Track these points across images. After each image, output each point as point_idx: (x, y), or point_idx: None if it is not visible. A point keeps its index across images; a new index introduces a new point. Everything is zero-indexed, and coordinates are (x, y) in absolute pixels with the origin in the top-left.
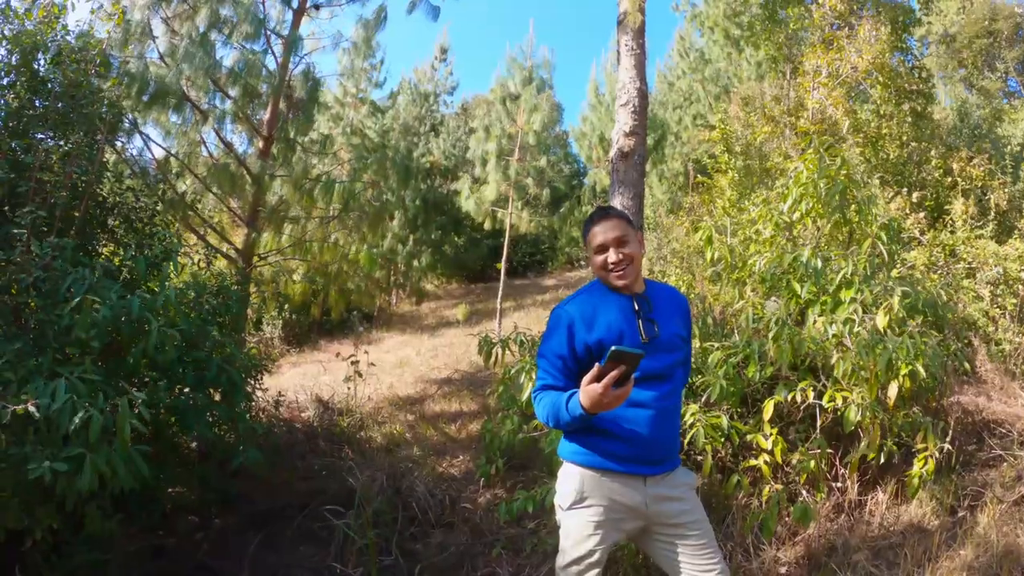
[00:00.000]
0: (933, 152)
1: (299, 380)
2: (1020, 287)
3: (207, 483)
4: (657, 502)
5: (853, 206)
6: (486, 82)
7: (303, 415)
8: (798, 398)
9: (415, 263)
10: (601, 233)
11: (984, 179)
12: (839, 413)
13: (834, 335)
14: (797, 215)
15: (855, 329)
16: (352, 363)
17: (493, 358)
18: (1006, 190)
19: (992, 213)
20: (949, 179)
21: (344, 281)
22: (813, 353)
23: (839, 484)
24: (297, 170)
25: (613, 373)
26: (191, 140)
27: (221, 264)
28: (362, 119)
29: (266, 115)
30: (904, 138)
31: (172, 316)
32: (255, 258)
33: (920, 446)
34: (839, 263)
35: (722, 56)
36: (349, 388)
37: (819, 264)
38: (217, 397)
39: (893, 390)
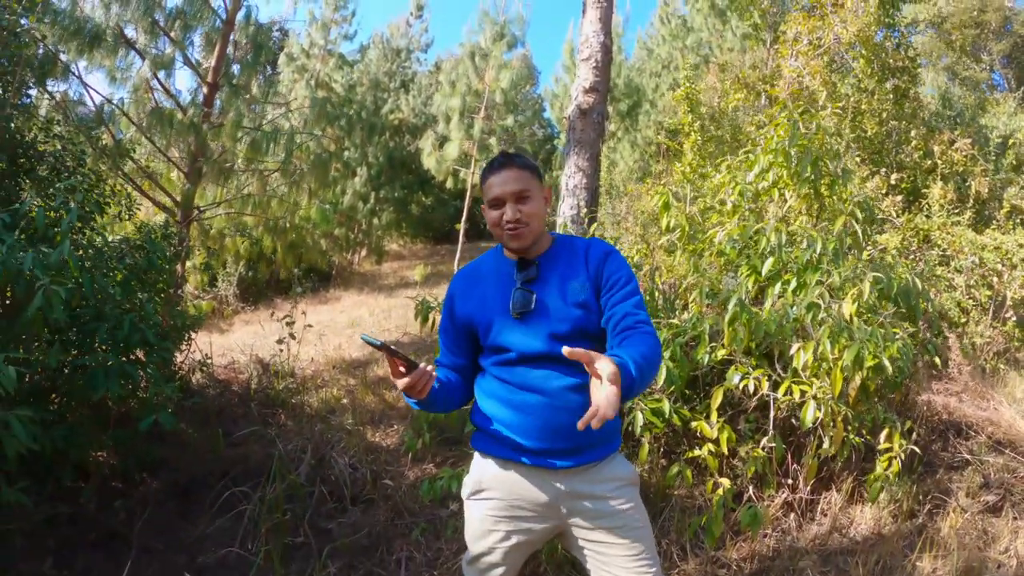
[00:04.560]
0: (914, 132)
1: (248, 339)
2: (995, 279)
3: (125, 448)
4: (573, 499)
5: (826, 179)
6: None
7: (241, 377)
8: (751, 386)
9: (376, 221)
10: (499, 184)
11: (966, 164)
12: (795, 406)
13: (795, 319)
14: (764, 185)
15: (819, 316)
16: (287, 324)
17: (430, 323)
18: (987, 178)
19: (971, 201)
20: (929, 162)
21: (295, 237)
22: (771, 338)
23: (790, 480)
24: (229, 118)
25: (389, 361)
26: (136, 87)
27: (159, 218)
28: (329, 72)
29: (212, 61)
30: (884, 115)
31: (73, 272)
32: (194, 211)
33: (884, 445)
34: (808, 240)
35: (705, 26)
36: (282, 350)
37: (783, 239)
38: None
39: (856, 384)
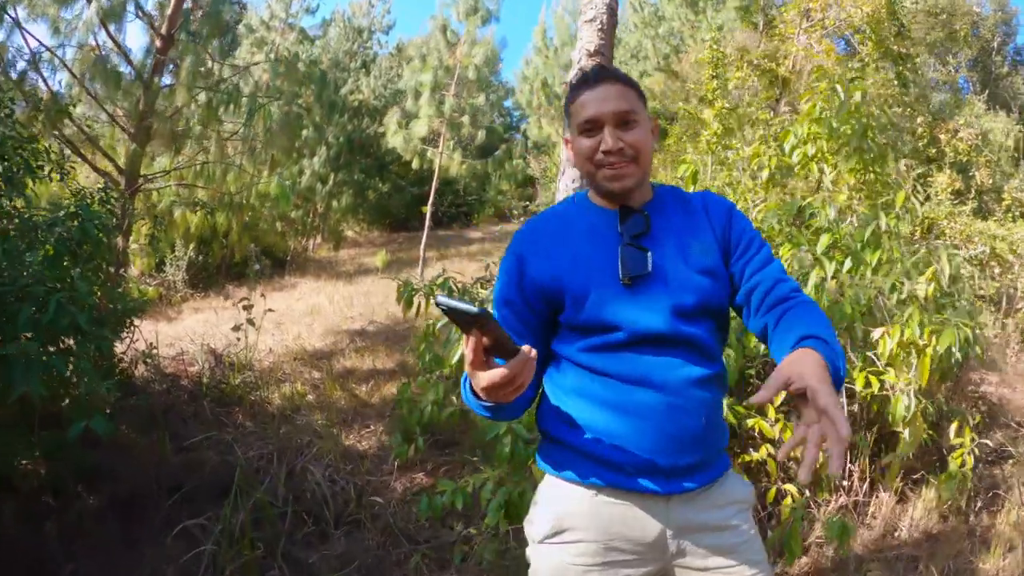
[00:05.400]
0: (920, 120)
1: (198, 328)
2: (997, 269)
3: (55, 456)
4: (687, 533)
5: (875, 151)
6: (423, 26)
7: (192, 370)
8: None
9: (334, 204)
10: (595, 101)
11: (970, 154)
12: (865, 399)
13: (866, 302)
14: (798, 157)
15: (901, 296)
16: (244, 307)
17: (415, 308)
18: (991, 168)
19: (974, 191)
20: (933, 150)
21: (251, 217)
22: (843, 321)
23: (845, 482)
24: (184, 65)
25: (472, 342)
26: (81, 44)
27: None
28: (289, 46)
29: (168, 10)
30: (890, 101)
31: None
32: (140, 180)
33: (956, 440)
34: (860, 217)
35: (677, 15)
36: (238, 339)
37: (833, 214)
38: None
39: (924, 374)
